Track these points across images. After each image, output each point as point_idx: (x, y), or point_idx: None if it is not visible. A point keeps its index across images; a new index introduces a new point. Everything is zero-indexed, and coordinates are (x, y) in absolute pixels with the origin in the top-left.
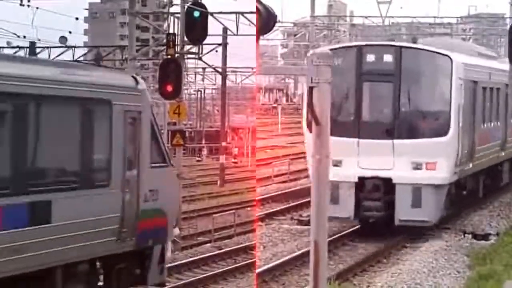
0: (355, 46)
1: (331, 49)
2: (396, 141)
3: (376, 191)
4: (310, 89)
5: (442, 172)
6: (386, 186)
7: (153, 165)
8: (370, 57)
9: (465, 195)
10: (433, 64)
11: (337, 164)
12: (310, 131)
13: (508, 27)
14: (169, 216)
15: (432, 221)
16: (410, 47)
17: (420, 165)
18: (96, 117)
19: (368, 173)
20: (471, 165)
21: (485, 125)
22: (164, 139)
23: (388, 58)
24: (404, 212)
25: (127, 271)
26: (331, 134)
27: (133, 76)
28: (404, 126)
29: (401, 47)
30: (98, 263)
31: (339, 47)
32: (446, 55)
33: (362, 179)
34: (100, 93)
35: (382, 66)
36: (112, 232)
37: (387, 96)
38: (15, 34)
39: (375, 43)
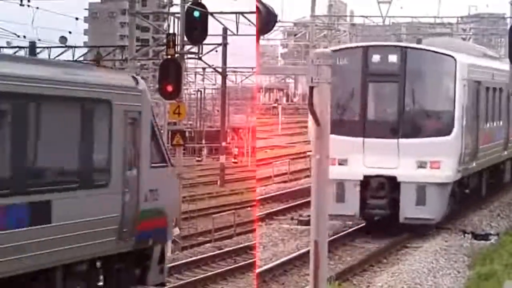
0: (360, 46)
1: (336, 50)
2: (401, 140)
3: (381, 190)
4: (311, 89)
5: (446, 170)
6: (391, 185)
7: (153, 165)
8: (375, 58)
9: (468, 194)
10: (437, 64)
11: (342, 162)
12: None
13: (508, 27)
14: (169, 216)
15: (436, 219)
16: (415, 48)
17: (425, 164)
18: (96, 117)
19: (373, 172)
20: (474, 164)
21: (488, 125)
22: (164, 139)
23: (393, 58)
24: (408, 210)
25: (127, 271)
26: (337, 133)
27: (133, 76)
28: (408, 125)
29: (406, 47)
30: (98, 263)
31: (344, 47)
32: (450, 56)
33: (367, 178)
34: (100, 93)
35: (387, 67)
36: (112, 232)
37: (392, 96)
38: (15, 34)
39: (380, 44)
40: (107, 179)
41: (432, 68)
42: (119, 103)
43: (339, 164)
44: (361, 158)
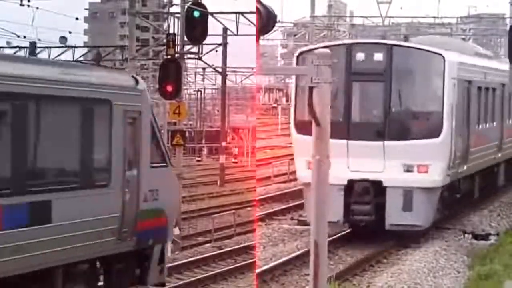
0: (344, 44)
1: (319, 48)
2: (386, 142)
3: (366, 194)
4: (310, 89)
5: (434, 174)
6: (376, 189)
7: (153, 165)
8: (360, 56)
9: (459, 198)
10: (425, 62)
11: None
12: (298, 132)
13: (508, 27)
14: (169, 216)
15: (424, 225)
16: (401, 45)
17: (412, 168)
18: (96, 117)
19: (357, 176)
20: (465, 167)
21: (481, 126)
22: (164, 139)
23: (378, 56)
24: (394, 216)
25: (127, 271)
26: None
27: (133, 76)
28: (395, 127)
29: (392, 45)
30: (98, 263)
31: (328, 45)
32: (439, 54)
33: (351, 182)
34: (100, 93)
35: (372, 65)
36: (112, 232)
37: (377, 96)
38: (15, 34)
39: (365, 41)
40: (107, 179)
41: (419, 66)
42: (119, 103)
43: None
44: (345, 162)
